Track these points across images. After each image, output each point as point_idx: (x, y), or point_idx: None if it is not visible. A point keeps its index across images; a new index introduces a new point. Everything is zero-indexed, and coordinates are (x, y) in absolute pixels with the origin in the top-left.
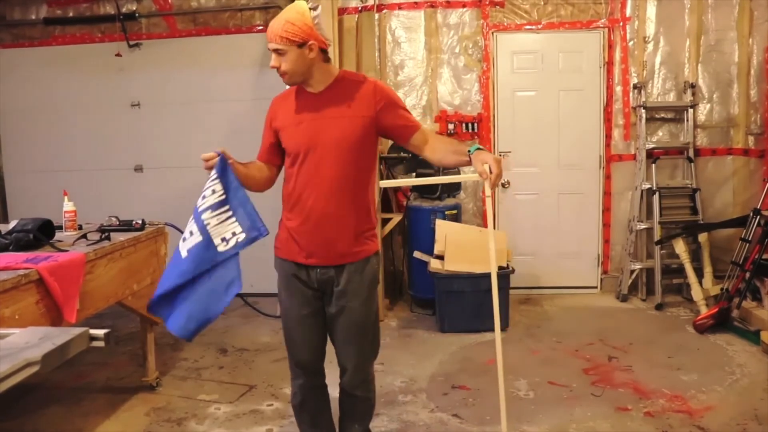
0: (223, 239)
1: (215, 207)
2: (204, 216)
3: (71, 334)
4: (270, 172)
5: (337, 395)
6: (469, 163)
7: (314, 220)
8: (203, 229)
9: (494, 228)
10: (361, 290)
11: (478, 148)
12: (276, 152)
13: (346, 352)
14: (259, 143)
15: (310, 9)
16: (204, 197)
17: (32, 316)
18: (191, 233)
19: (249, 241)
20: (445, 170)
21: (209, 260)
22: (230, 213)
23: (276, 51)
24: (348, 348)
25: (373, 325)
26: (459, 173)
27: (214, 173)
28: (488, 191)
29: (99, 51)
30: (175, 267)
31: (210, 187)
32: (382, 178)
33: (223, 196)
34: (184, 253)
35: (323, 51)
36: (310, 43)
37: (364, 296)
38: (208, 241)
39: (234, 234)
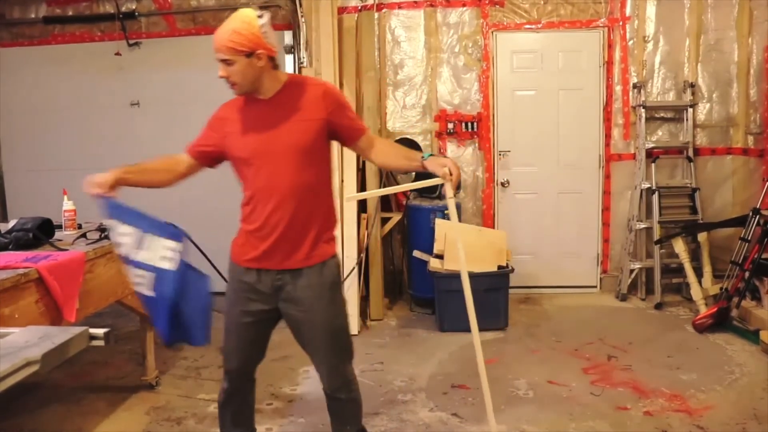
0: (164, 258)
1: (138, 244)
2: (138, 258)
3: (71, 333)
4: (188, 170)
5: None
6: (421, 167)
7: (271, 227)
8: (146, 266)
9: (494, 227)
10: (323, 294)
11: (432, 155)
12: (210, 155)
13: (318, 358)
14: None
15: (258, 17)
16: (122, 244)
17: (32, 315)
18: (141, 276)
19: (182, 243)
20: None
21: (171, 281)
22: (150, 235)
23: (224, 61)
24: (319, 353)
25: (341, 327)
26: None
27: (113, 221)
28: (450, 193)
29: (98, 50)
30: (156, 305)
31: (120, 234)
32: (381, 180)
33: (135, 231)
34: (150, 293)
35: (271, 58)
36: (258, 52)
37: (327, 300)
38: (158, 270)
39: (168, 248)
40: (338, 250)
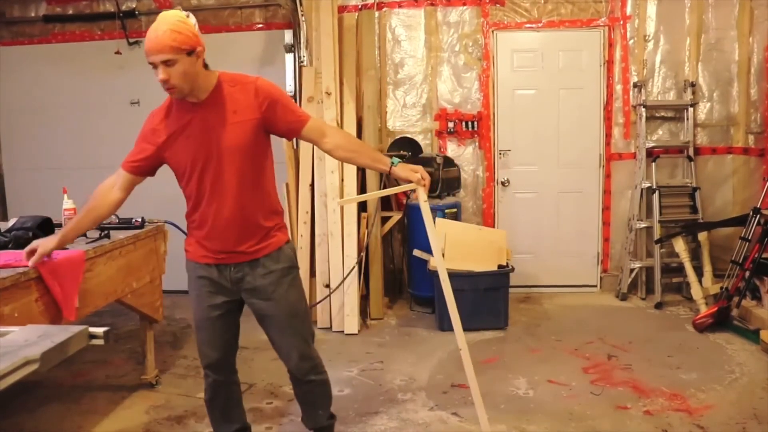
0: None
1: None
2: None
3: (70, 332)
4: (127, 186)
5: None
6: (386, 170)
7: (221, 227)
8: None
9: (494, 226)
10: (282, 280)
11: (400, 161)
12: (148, 168)
13: (286, 343)
14: None
15: (186, 16)
16: None
17: (31, 314)
18: None
19: None
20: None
21: None
22: None
23: (165, 63)
24: (285, 338)
25: (304, 310)
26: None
27: None
28: (424, 197)
29: (99, 49)
30: None
31: None
32: (381, 180)
33: None
34: None
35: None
36: (198, 50)
37: (286, 285)
38: None
39: None
40: (290, 236)
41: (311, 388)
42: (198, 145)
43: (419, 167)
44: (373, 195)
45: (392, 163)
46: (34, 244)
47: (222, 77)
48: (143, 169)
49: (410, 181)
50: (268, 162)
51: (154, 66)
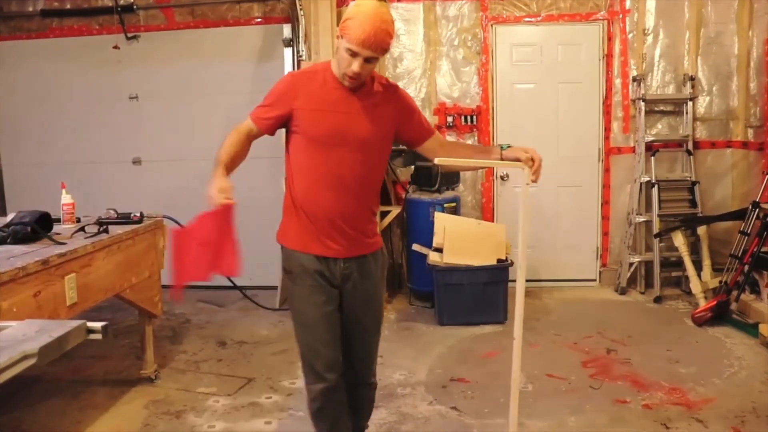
0: None
1: None
2: None
3: (68, 326)
4: (251, 140)
5: None
6: (500, 158)
7: (336, 215)
8: None
9: (493, 221)
10: (379, 282)
11: (509, 146)
12: (276, 125)
13: (365, 345)
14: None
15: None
16: None
17: (30, 308)
18: None
19: None
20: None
21: None
22: None
23: (368, 59)
24: (364, 340)
25: (383, 315)
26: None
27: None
28: (527, 179)
29: (97, 43)
30: None
31: None
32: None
33: None
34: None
35: None
36: (388, 49)
37: (381, 286)
38: None
39: None
40: None
41: (366, 392)
42: (336, 124)
43: (531, 149)
44: (473, 163)
45: (502, 148)
46: (217, 188)
47: (371, 73)
48: (271, 127)
49: (519, 160)
50: (385, 165)
51: (354, 55)
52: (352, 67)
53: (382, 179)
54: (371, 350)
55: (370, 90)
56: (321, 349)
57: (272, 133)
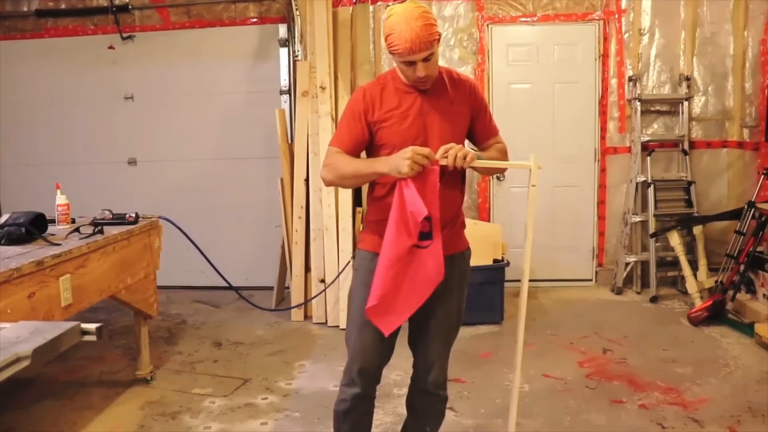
0: None
1: None
2: None
3: (62, 328)
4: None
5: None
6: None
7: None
8: None
9: (489, 221)
10: (464, 282)
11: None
12: (363, 146)
13: (438, 350)
14: (254, 136)
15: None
16: None
17: (24, 309)
18: None
19: None
20: None
21: None
22: None
23: (425, 59)
24: (438, 344)
25: (459, 319)
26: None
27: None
28: (534, 180)
29: (92, 43)
30: None
31: None
32: None
33: None
34: None
35: None
36: (439, 37)
37: (464, 288)
38: None
39: None
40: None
41: (435, 402)
42: (413, 126)
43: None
44: (491, 164)
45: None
46: (411, 151)
47: (440, 68)
48: (358, 150)
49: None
50: None
51: (410, 63)
52: (417, 74)
53: (464, 174)
54: (443, 357)
55: (444, 87)
56: (362, 355)
57: (357, 155)
